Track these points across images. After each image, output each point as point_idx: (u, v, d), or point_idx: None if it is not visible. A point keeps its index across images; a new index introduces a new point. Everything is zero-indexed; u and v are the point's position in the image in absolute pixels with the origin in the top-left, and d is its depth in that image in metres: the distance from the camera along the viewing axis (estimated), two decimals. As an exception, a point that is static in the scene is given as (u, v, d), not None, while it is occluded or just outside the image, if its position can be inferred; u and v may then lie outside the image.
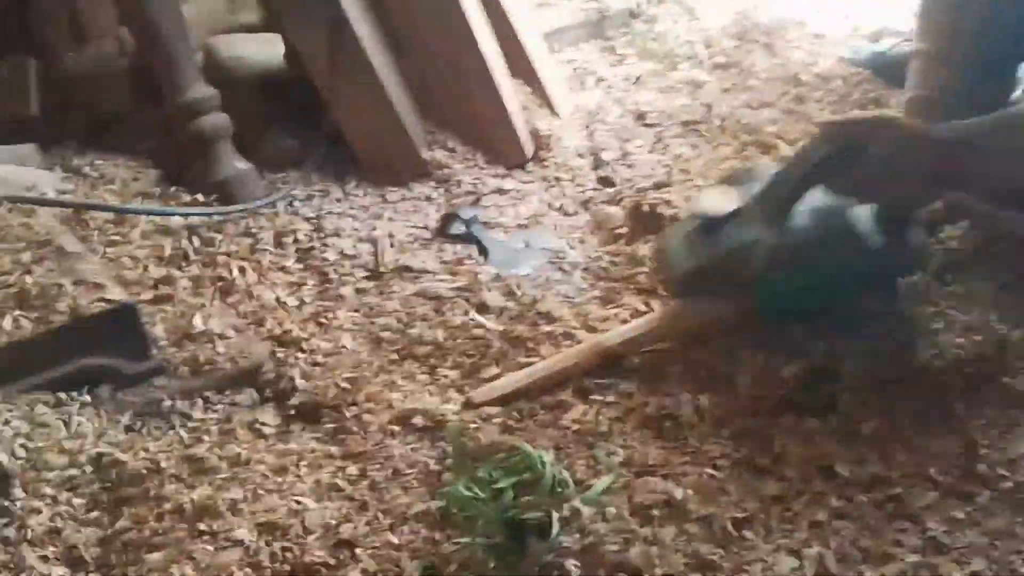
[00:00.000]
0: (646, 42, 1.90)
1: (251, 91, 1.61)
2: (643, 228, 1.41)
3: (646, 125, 1.66)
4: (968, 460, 1.02)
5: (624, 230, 1.42)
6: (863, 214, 1.15)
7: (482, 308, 1.26)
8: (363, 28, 1.44)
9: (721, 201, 1.18)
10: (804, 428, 1.07)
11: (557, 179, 1.54)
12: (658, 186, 1.48)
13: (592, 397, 1.12)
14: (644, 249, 1.36)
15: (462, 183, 1.50)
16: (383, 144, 1.50)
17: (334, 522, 0.92)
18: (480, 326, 1.22)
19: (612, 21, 1.97)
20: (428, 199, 1.48)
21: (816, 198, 1.14)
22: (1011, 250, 1.28)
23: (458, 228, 1.41)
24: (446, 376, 1.16)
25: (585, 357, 1.15)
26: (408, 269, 1.33)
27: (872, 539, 0.93)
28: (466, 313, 1.24)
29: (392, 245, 1.37)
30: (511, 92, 1.56)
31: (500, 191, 1.50)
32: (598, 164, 1.56)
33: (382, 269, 1.32)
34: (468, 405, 1.10)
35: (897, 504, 0.97)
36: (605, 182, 1.53)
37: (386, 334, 1.22)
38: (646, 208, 1.43)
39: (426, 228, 1.42)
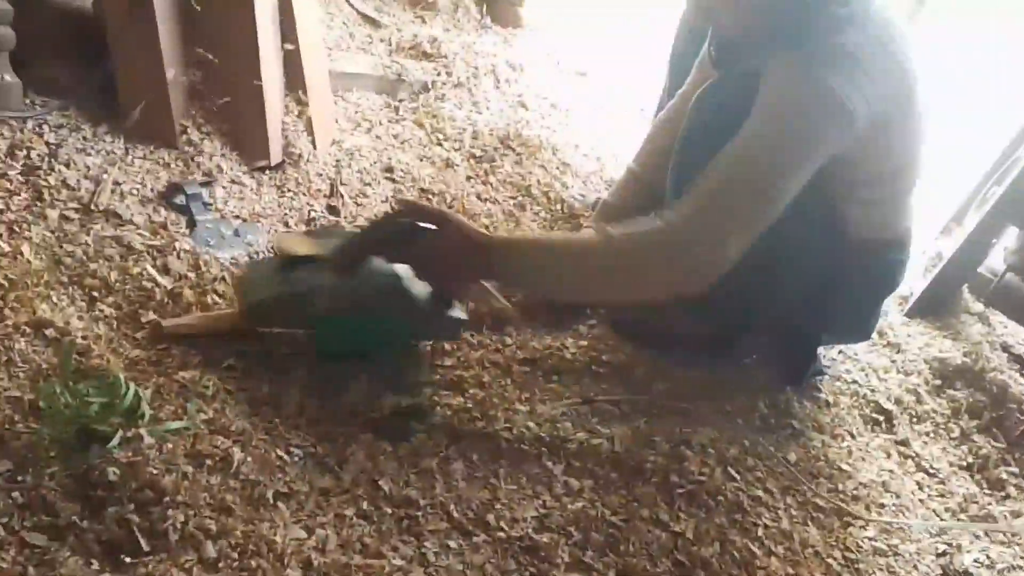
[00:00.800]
0: (426, 114, 2.15)
1: (49, 18, 1.73)
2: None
3: (390, 179, 1.90)
4: (485, 509, 1.28)
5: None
6: (420, 283, 1.42)
7: (163, 269, 1.43)
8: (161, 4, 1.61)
9: (299, 245, 1.42)
10: (377, 448, 1.30)
11: (291, 192, 1.74)
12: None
13: (223, 365, 1.31)
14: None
15: (203, 164, 1.67)
16: (146, 106, 1.65)
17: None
18: (153, 280, 1.39)
19: (407, 86, 2.21)
20: (167, 166, 1.64)
21: (387, 265, 1.40)
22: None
23: (180, 199, 1.57)
24: (102, 311, 1.32)
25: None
26: (116, 215, 1.48)
27: (377, 540, 1.16)
28: (148, 267, 1.41)
29: (113, 191, 1.52)
30: (277, 105, 1.75)
31: (234, 182, 1.68)
32: (332, 192, 1.78)
33: (93, 207, 1.47)
34: (155, 329, 1.30)
35: (412, 523, 1.21)
36: (332, 210, 1.74)
37: (68, 260, 1.37)
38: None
39: (152, 190, 1.58)
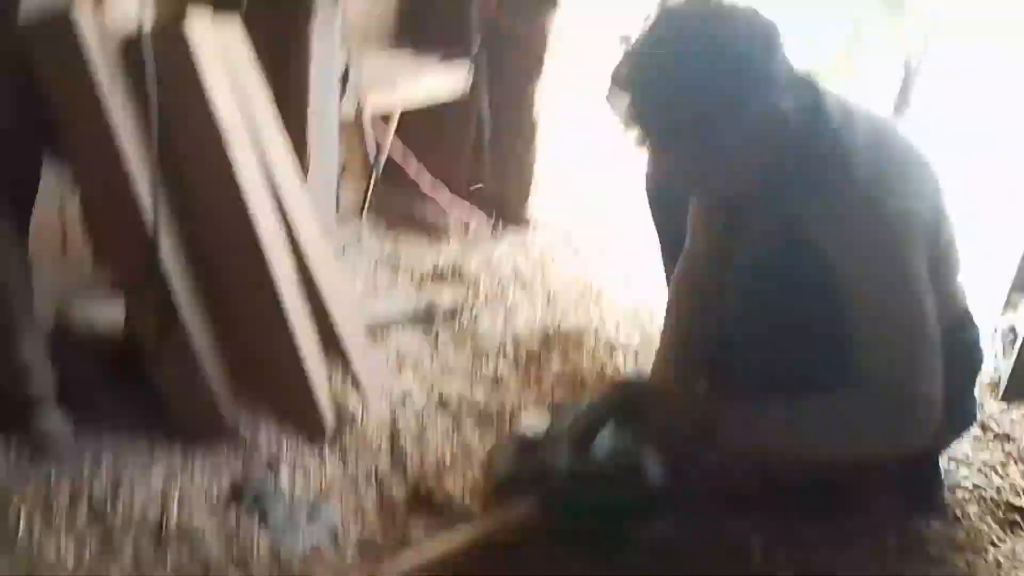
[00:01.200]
0: (466, 336, 2.17)
1: (87, 353, 1.81)
2: (418, 509, 1.61)
3: (447, 413, 1.89)
4: None
5: (401, 510, 1.60)
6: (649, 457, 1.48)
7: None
8: (189, 314, 1.66)
9: (538, 426, 1.56)
10: None
11: (353, 457, 1.73)
12: (439, 470, 1.69)
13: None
14: (416, 531, 1.55)
15: (260, 451, 1.68)
16: (194, 411, 1.68)
17: None
18: (240, 597, 1.36)
19: (440, 315, 2.24)
20: (225, 464, 1.65)
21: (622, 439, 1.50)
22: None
23: (249, 494, 1.57)
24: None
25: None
26: (189, 532, 1.47)
27: None
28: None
29: (180, 507, 1.52)
30: (318, 370, 1.77)
31: (295, 463, 1.68)
32: (394, 446, 1.76)
33: (163, 531, 1.47)
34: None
35: None
36: (396, 463, 1.72)
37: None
38: (424, 492, 1.63)
39: (216, 496, 1.58)
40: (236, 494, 1.58)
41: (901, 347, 1.38)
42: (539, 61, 2.69)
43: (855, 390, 1.39)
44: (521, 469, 1.52)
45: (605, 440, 1.50)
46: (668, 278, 1.97)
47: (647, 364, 2.12)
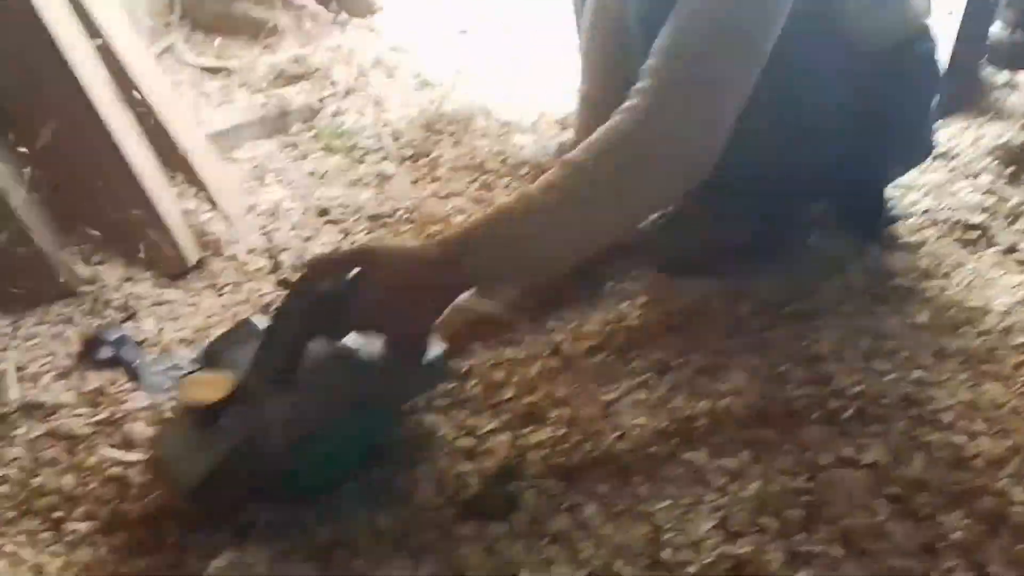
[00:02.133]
0: (331, 136, 1.85)
1: None
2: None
3: (330, 221, 1.60)
4: (654, 547, 1.00)
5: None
6: (371, 349, 1.06)
7: (126, 444, 1.11)
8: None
9: (210, 385, 1.01)
10: (488, 535, 1.01)
11: (230, 285, 1.43)
12: (340, 286, 1.41)
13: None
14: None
15: (112, 300, 1.36)
16: (11, 263, 1.33)
17: None
18: (120, 463, 1.07)
19: (295, 116, 1.90)
20: (70, 321, 1.32)
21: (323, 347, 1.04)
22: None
23: (105, 352, 1.26)
24: (75, 530, 1.00)
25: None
26: (38, 406, 1.16)
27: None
28: (106, 450, 1.09)
29: (20, 379, 1.20)
30: (166, 197, 1.45)
31: (159, 303, 1.37)
32: (277, 266, 1.47)
33: (5, 409, 1.14)
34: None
35: (583, 608, 0.93)
36: (285, 284, 1.44)
37: (3, 489, 1.04)
38: (325, 311, 1.36)
39: (67, 355, 1.26)
40: (90, 351, 1.26)
41: (700, 49, 1.05)
42: None
43: (615, 116, 1.07)
44: (216, 457, 0.98)
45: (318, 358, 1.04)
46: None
47: (546, 139, 1.88)
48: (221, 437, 0.98)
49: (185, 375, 1.11)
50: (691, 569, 0.96)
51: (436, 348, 1.11)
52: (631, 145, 1.05)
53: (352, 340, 1.06)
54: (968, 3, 1.93)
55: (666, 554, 0.98)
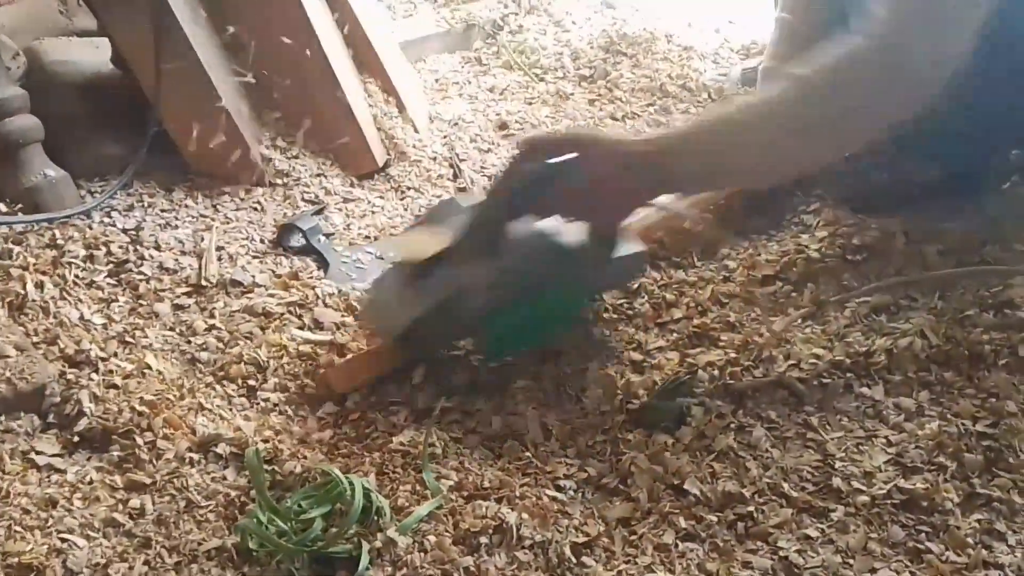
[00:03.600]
0: (512, 53, 1.85)
1: (76, 95, 1.48)
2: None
3: (508, 135, 1.61)
4: (823, 474, 0.98)
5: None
6: (575, 236, 1.08)
7: (315, 325, 1.16)
8: (191, 28, 1.34)
9: (426, 243, 1.09)
10: (655, 444, 1.01)
11: (413, 189, 1.46)
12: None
13: (431, 417, 1.04)
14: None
15: (305, 192, 1.41)
16: (215, 149, 1.40)
17: (103, 561, 0.81)
18: (309, 342, 1.12)
19: (478, 32, 1.91)
20: (265, 208, 1.38)
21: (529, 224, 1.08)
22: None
23: (297, 240, 1.31)
24: (267, 400, 1.06)
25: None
26: (235, 284, 1.22)
27: (721, 562, 0.88)
28: (296, 330, 1.15)
29: (219, 258, 1.26)
30: (360, 99, 1.48)
31: (347, 200, 1.41)
32: (456, 174, 1.49)
33: (205, 283, 1.21)
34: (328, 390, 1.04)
35: (749, 523, 0.92)
36: (463, 191, 1.46)
37: (203, 354, 1.11)
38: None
39: (261, 240, 1.32)
40: (284, 239, 1.32)
41: None
42: None
43: (841, 41, 1.03)
44: (424, 307, 1.06)
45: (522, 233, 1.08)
46: None
47: (727, 66, 1.82)
48: (429, 291, 1.06)
49: (407, 230, 1.23)
50: (862, 498, 0.94)
51: (636, 245, 1.15)
52: (862, 66, 1.02)
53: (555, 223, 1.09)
54: None
55: (836, 481, 0.96)
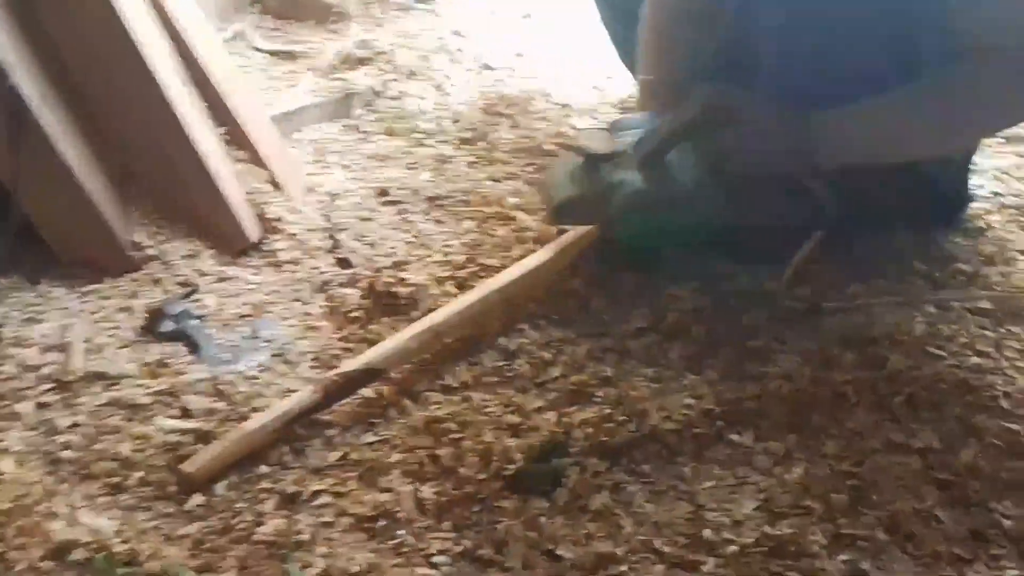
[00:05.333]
0: (392, 119, 1.87)
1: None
2: (380, 310, 1.35)
3: (389, 203, 1.61)
4: (695, 526, 0.99)
5: (360, 313, 1.35)
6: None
7: (183, 414, 1.14)
8: (48, 115, 1.32)
9: (600, 143, 1.37)
10: (530, 510, 1.02)
11: (289, 263, 1.45)
12: (396, 264, 1.43)
13: (300, 501, 1.03)
14: (381, 331, 1.29)
15: (176, 274, 1.39)
16: (81, 236, 1.37)
17: None
18: (176, 431, 1.10)
19: (358, 99, 1.92)
20: (135, 295, 1.35)
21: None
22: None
23: (166, 326, 1.29)
24: (131, 496, 1.03)
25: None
26: (102, 376, 1.19)
27: (595, 626, 0.88)
28: (163, 419, 1.12)
29: (86, 350, 1.23)
30: (231, 176, 1.47)
31: (220, 280, 1.40)
32: (335, 245, 1.49)
33: (71, 378, 1.18)
34: (188, 485, 1.03)
35: (622, 582, 0.92)
36: (343, 263, 1.46)
37: (65, 453, 1.08)
38: (382, 288, 1.37)
39: (130, 328, 1.29)
40: (153, 324, 1.29)
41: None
42: None
43: (972, 63, 1.21)
44: (583, 188, 1.35)
45: (681, 160, 1.35)
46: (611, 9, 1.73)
47: (607, 121, 1.86)
48: (591, 178, 1.35)
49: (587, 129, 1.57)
50: (731, 548, 0.95)
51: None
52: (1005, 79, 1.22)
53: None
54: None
55: (707, 533, 0.97)
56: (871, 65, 1.26)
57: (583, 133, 1.39)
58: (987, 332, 1.29)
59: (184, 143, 1.42)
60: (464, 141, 1.80)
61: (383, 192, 1.63)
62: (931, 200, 1.47)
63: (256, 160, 1.54)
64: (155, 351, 1.25)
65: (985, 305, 1.34)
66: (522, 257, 1.36)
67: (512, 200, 1.58)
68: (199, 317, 1.31)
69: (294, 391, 1.17)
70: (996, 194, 1.61)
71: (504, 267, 1.36)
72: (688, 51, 1.50)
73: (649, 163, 1.34)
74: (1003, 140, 1.74)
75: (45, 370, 1.20)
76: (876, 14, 1.24)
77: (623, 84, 1.96)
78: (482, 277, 1.36)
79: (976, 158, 1.62)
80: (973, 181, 1.60)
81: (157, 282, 1.38)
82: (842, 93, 1.26)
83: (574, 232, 1.37)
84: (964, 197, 1.55)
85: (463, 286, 1.36)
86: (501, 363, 1.24)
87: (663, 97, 1.53)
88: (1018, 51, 1.19)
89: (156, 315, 1.30)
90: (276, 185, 1.54)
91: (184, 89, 1.46)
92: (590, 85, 2.03)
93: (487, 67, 2.09)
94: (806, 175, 1.31)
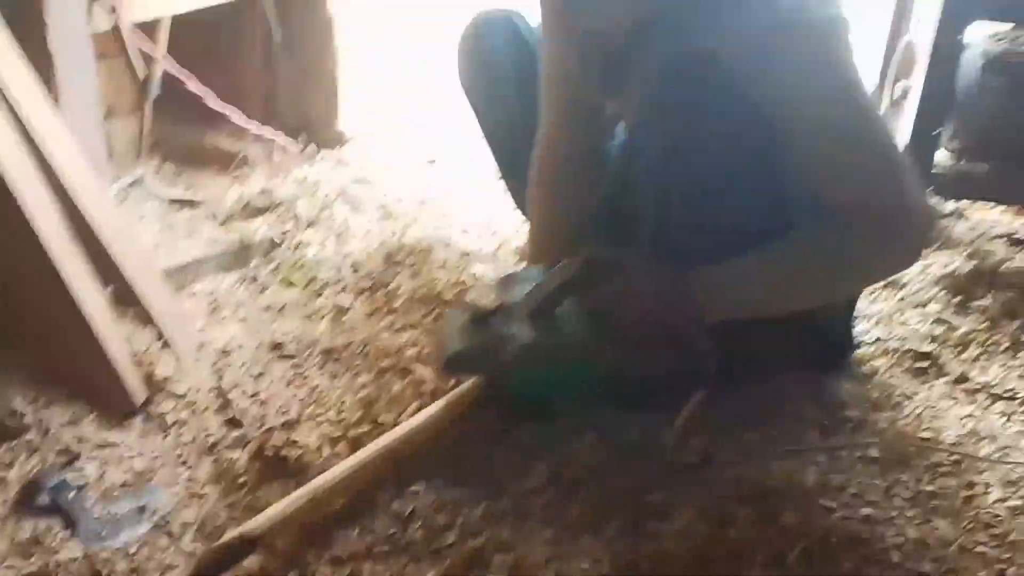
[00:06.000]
0: (291, 269, 1.87)
1: None
2: (268, 474, 1.32)
3: (283, 357, 1.60)
4: None
5: (247, 478, 1.32)
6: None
7: (53, 597, 1.09)
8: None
9: (490, 297, 1.46)
10: None
11: (177, 424, 1.42)
12: (287, 425, 1.41)
13: None
14: (270, 497, 1.26)
15: (55, 443, 1.34)
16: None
17: None
18: (44, 619, 1.05)
19: (257, 249, 1.92)
20: (10, 465, 1.30)
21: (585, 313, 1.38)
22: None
23: (43, 499, 1.24)
24: None
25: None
26: (-31, 557, 1.13)
27: None
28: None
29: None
30: (117, 336, 1.44)
31: (102, 446, 1.35)
32: (225, 404, 1.46)
33: (-68, 563, 1.12)
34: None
35: None
36: (232, 424, 1.43)
37: (-80, 648, 1.01)
38: (271, 451, 1.35)
39: (2, 503, 1.24)
40: (28, 498, 1.24)
41: (871, 163, 1.26)
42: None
43: (837, 222, 1.26)
44: (474, 342, 1.39)
45: (567, 314, 1.39)
46: (506, 167, 1.81)
47: (506, 268, 1.90)
48: (482, 331, 1.38)
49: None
50: None
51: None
52: (881, 240, 1.28)
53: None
54: (912, 134, 1.99)
55: None
56: (746, 221, 1.31)
57: (476, 287, 1.41)
58: (876, 481, 1.32)
59: (68, 303, 1.39)
60: (363, 290, 1.81)
61: (277, 346, 1.62)
62: (818, 346, 1.53)
63: (145, 318, 1.52)
64: (28, 527, 1.20)
65: (874, 453, 1.38)
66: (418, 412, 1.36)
67: (410, 352, 1.59)
68: (78, 487, 1.26)
69: (175, 567, 1.13)
70: (880, 339, 1.68)
71: (399, 423, 1.35)
72: (573, 205, 1.57)
73: (538, 316, 1.37)
74: (882, 286, 1.83)
75: (-97, 555, 1.13)
76: (748, 172, 1.30)
77: (522, 232, 2.00)
78: (376, 436, 1.35)
79: (860, 303, 1.71)
80: (858, 327, 1.68)
81: (35, 451, 1.33)
82: (719, 248, 1.31)
83: (467, 385, 1.38)
84: (849, 343, 1.62)
85: (356, 445, 1.35)
86: (393, 530, 1.22)
87: (550, 250, 1.58)
88: (879, 211, 1.26)
89: (31, 488, 1.25)
90: (165, 343, 1.52)
91: (70, 246, 1.44)
92: (491, 232, 2.07)
93: (389, 214, 2.12)
94: (691, 327, 1.35)
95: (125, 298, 1.52)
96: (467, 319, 1.42)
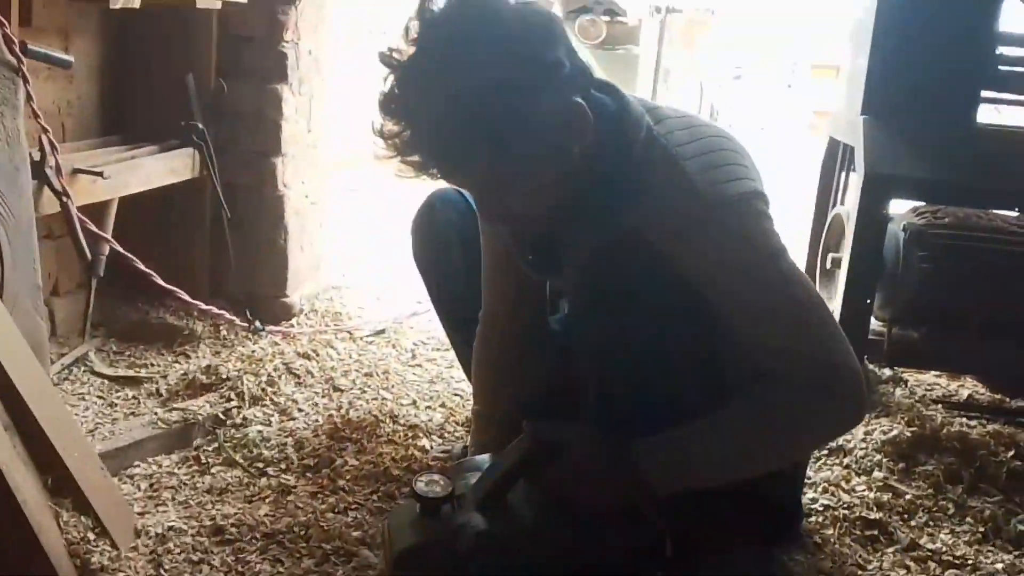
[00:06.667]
0: (233, 449, 1.84)
1: None
2: None
3: (224, 541, 1.56)
4: None
5: None
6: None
7: None
8: None
9: (438, 484, 1.35)
10: None
11: (108, 621, 1.36)
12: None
13: None
14: None
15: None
16: None
17: None
18: None
19: (199, 428, 1.90)
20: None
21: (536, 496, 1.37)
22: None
23: None
24: None
25: None
26: None
27: None
28: None
29: None
30: (51, 526, 1.40)
31: (28, 647, 1.29)
32: (161, 596, 1.41)
33: None
34: None
35: None
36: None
37: None
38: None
39: None
40: None
41: (801, 328, 1.29)
42: (276, 131, 2.46)
43: (773, 387, 1.28)
44: (425, 536, 1.33)
45: (518, 499, 1.37)
46: (457, 336, 1.83)
47: (452, 441, 1.91)
48: (432, 523, 1.33)
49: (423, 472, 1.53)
50: None
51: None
52: (813, 402, 1.29)
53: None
54: (844, 303, 2.07)
55: None
56: (687, 391, 1.34)
57: (421, 477, 1.38)
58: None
59: (2, 492, 1.36)
60: (307, 469, 1.79)
61: (218, 531, 1.58)
62: (767, 517, 1.54)
63: (82, 505, 1.48)
64: None
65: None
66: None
67: (355, 534, 1.56)
68: None
69: None
70: (828, 506, 1.70)
71: (344, 612, 1.32)
72: (518, 383, 1.60)
73: (489, 503, 1.34)
74: (827, 452, 1.86)
75: None
76: (686, 343, 1.34)
77: (469, 403, 2.01)
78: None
79: (808, 471, 1.73)
80: (806, 495, 1.69)
81: (-47, 653, 1.26)
82: (664, 419, 1.33)
83: None
84: (798, 512, 1.63)
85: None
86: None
87: (495, 428, 1.60)
88: (810, 372, 1.28)
89: None
90: (101, 531, 1.47)
91: (4, 434, 1.41)
92: (438, 404, 2.08)
93: (335, 388, 2.13)
94: (640, 503, 1.35)
95: (62, 486, 1.48)
96: (417, 511, 1.36)
